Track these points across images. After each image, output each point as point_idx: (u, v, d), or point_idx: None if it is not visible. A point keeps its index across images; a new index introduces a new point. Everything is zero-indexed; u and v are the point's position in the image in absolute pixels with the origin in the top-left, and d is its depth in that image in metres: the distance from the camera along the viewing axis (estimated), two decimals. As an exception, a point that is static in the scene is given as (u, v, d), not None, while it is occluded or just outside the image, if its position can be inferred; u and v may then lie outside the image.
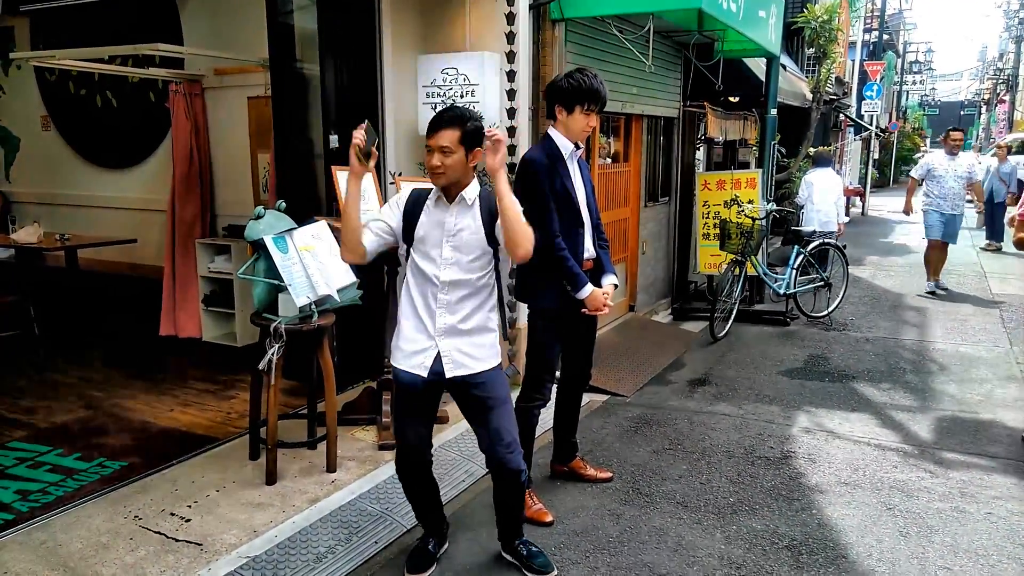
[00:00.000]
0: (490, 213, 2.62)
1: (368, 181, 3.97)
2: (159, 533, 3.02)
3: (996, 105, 45.49)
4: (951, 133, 8.49)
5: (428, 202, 2.68)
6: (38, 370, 5.09)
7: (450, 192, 2.64)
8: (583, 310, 3.29)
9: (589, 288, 3.22)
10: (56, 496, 3.32)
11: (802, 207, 8.40)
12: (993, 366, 5.64)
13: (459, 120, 2.57)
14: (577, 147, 3.29)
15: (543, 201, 3.16)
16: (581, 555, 3.01)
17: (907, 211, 9.06)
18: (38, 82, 6.99)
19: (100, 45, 5.27)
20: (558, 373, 3.58)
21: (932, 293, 8.30)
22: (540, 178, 3.15)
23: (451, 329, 2.65)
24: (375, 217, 2.75)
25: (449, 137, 2.55)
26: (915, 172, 8.74)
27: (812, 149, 12.13)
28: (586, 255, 3.32)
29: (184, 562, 2.83)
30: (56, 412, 4.35)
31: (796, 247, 7.17)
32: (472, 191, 2.64)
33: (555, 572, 2.84)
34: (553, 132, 3.26)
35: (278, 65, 4.54)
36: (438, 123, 2.58)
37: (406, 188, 2.87)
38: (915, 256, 11.33)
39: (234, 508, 3.24)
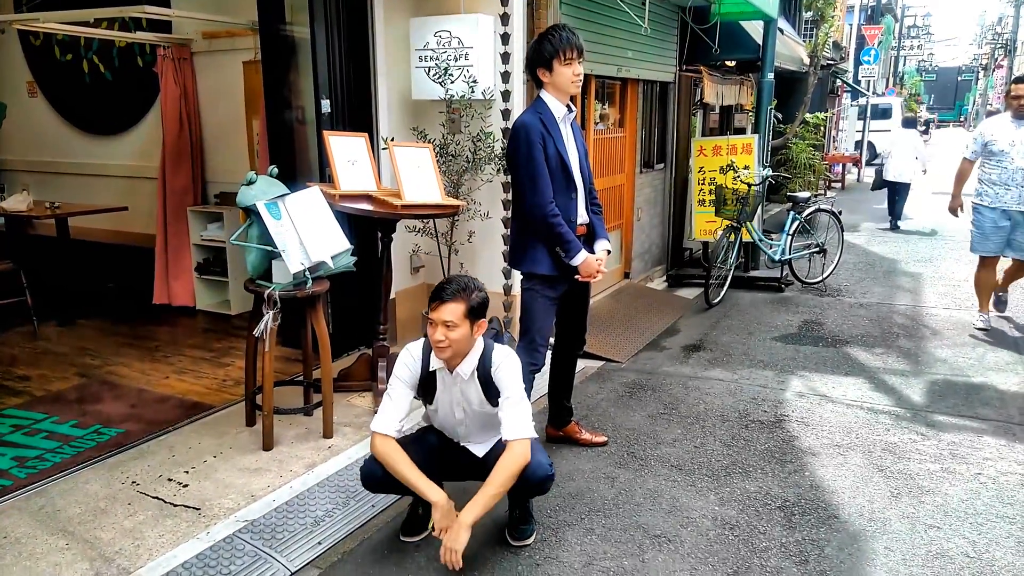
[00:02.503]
0: (487, 385, 2.67)
1: (361, 147, 3.93)
2: (157, 498, 3.04)
3: (994, 70, 45.16)
4: (1014, 86, 5.42)
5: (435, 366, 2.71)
6: (31, 338, 5.08)
7: (450, 363, 2.66)
8: (576, 276, 3.29)
9: (583, 254, 3.21)
10: (53, 463, 3.33)
11: (884, 160, 11.04)
12: (986, 330, 5.67)
13: (463, 292, 2.55)
14: (570, 110, 3.26)
15: (536, 166, 3.13)
16: (576, 517, 3.05)
17: (954, 209, 5.88)
18: (23, 47, 6.87)
19: (85, 8, 5.15)
20: (552, 339, 3.59)
21: (984, 330, 5.60)
22: (533, 142, 3.12)
23: (475, 446, 2.89)
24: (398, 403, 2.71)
25: (453, 311, 2.53)
26: (967, 150, 5.62)
27: (811, 115, 12.12)
28: (579, 220, 3.31)
29: (183, 526, 2.85)
30: (51, 380, 4.35)
31: (791, 213, 7.16)
32: (468, 365, 2.66)
33: (528, 541, 2.86)
34: (545, 95, 3.23)
35: (268, 28, 4.45)
36: (440, 296, 2.54)
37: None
38: (909, 222, 11.34)
39: (231, 473, 3.25)
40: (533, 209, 3.17)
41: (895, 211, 10.87)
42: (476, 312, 2.59)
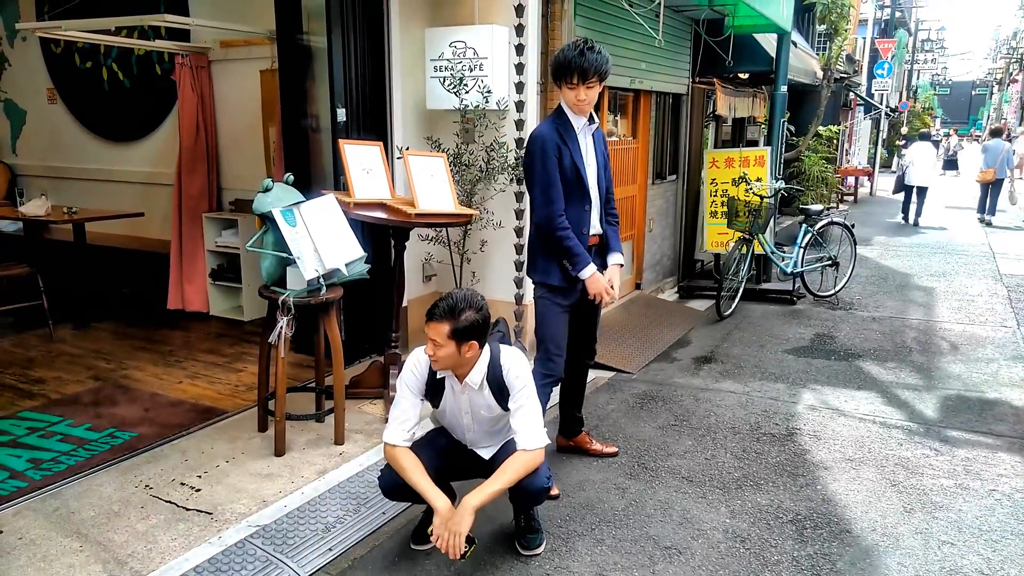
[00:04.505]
0: (499, 391, 2.68)
1: (376, 156, 3.96)
2: (169, 502, 3.06)
3: (1008, 85, 44.95)
4: None
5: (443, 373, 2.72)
6: (47, 341, 5.13)
7: (457, 373, 2.69)
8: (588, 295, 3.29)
9: (591, 269, 3.20)
10: (68, 465, 3.36)
11: (906, 167, 12.83)
12: (1000, 346, 5.63)
13: (450, 313, 2.51)
14: (591, 120, 3.25)
15: (549, 177, 3.14)
16: (587, 528, 3.04)
17: None
18: (44, 54, 6.96)
19: (106, 16, 5.23)
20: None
21: None
22: (547, 153, 3.13)
23: (482, 450, 2.91)
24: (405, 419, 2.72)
25: (436, 331, 2.52)
26: None
27: (824, 127, 12.12)
28: (592, 231, 3.30)
29: (195, 530, 2.86)
30: (66, 383, 4.39)
31: (804, 225, 7.14)
32: (477, 375, 2.66)
33: (538, 551, 2.86)
34: (565, 105, 3.24)
35: (285, 37, 4.51)
36: (431, 313, 2.55)
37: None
38: (922, 236, 11.28)
39: (243, 478, 3.27)
40: (543, 220, 3.19)
41: (917, 210, 12.78)
42: (462, 334, 2.51)
